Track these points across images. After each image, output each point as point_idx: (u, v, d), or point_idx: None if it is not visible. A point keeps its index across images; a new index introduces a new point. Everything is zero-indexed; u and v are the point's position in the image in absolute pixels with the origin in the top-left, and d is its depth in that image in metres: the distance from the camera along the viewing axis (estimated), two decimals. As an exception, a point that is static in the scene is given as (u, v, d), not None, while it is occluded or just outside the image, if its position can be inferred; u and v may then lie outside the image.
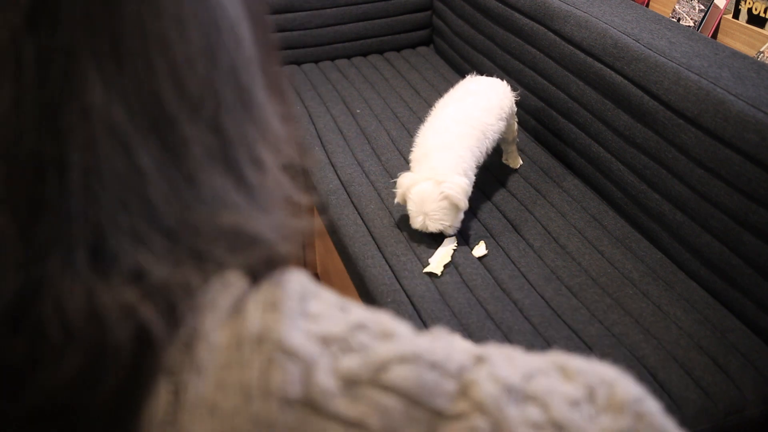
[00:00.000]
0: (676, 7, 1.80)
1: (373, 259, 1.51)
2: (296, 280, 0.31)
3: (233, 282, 0.30)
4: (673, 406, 1.18)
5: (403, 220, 1.59)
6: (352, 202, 1.69)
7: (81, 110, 0.27)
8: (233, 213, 0.31)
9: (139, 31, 0.28)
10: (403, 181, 1.50)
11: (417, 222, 1.48)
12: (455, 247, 1.52)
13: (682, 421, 1.17)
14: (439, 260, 1.48)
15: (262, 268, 0.31)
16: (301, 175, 0.36)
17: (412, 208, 1.48)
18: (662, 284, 1.41)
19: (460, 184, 1.45)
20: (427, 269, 1.46)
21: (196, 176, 0.30)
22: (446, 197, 1.44)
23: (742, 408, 1.19)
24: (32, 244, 0.27)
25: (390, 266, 1.49)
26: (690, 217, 1.43)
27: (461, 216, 1.51)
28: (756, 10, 1.60)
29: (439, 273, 1.45)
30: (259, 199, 0.32)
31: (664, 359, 1.24)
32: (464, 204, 1.47)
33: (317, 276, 2.11)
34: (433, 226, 1.47)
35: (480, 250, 1.52)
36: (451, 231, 1.51)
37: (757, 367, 1.23)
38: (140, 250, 0.28)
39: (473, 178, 1.54)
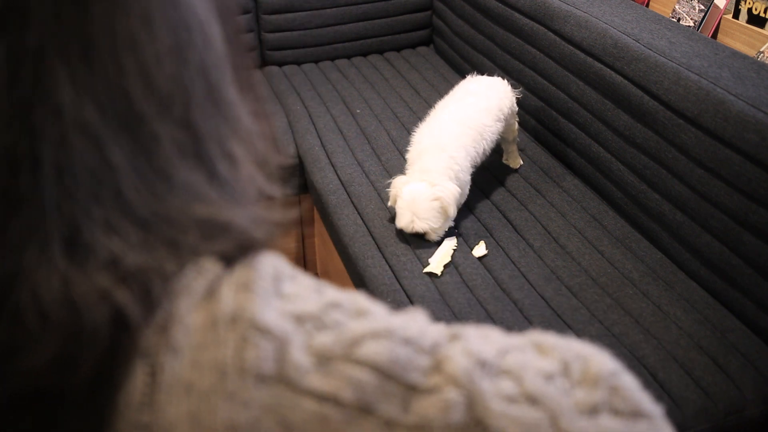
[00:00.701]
0: (676, 7, 1.80)
1: (373, 259, 1.51)
2: (269, 263, 0.31)
3: (207, 267, 0.30)
4: (673, 406, 1.18)
5: (403, 220, 1.60)
6: (352, 202, 1.69)
7: (52, 109, 0.27)
8: (206, 205, 0.31)
9: (107, 30, 0.28)
10: (397, 182, 1.51)
11: (403, 219, 1.48)
12: (455, 247, 1.52)
13: (682, 421, 1.17)
14: (439, 260, 1.48)
15: (236, 253, 0.31)
16: (276, 169, 0.37)
17: (401, 206, 1.48)
18: (662, 284, 1.41)
19: (452, 191, 1.46)
20: (427, 269, 1.46)
21: (167, 170, 0.30)
22: (437, 199, 1.45)
23: (742, 408, 1.19)
24: (8, 237, 0.27)
25: (390, 266, 1.49)
26: (690, 217, 1.43)
27: (447, 225, 1.52)
28: (756, 10, 1.60)
29: (439, 273, 1.45)
30: (232, 192, 0.33)
31: (664, 359, 1.24)
32: (453, 211, 1.48)
33: (317, 276, 2.11)
34: (420, 226, 1.47)
35: (480, 250, 1.52)
36: (434, 236, 1.51)
37: (757, 367, 1.23)
38: (114, 239, 0.29)
39: (468, 179, 1.55)
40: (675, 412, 1.17)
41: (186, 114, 0.31)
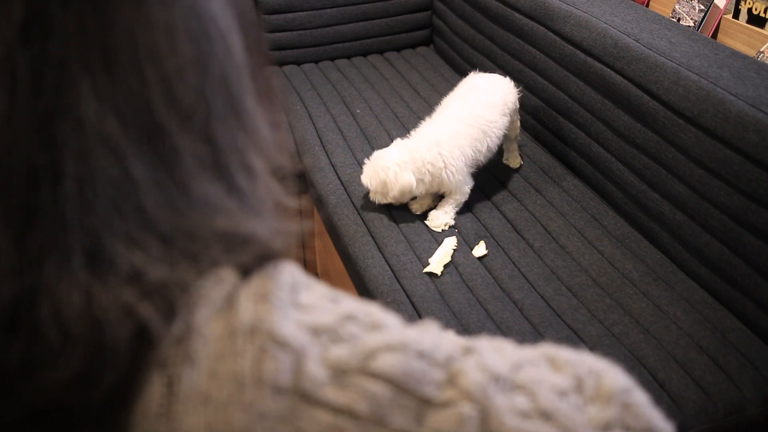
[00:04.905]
0: (676, 7, 1.80)
1: (373, 259, 1.51)
2: (287, 272, 0.32)
3: (225, 277, 0.30)
4: (673, 406, 1.18)
5: (403, 219, 1.60)
6: (352, 202, 1.69)
7: (74, 121, 0.27)
8: (226, 218, 0.31)
9: (130, 43, 0.28)
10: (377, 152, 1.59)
11: (364, 175, 1.59)
12: (455, 247, 1.52)
13: (682, 421, 1.17)
14: (439, 260, 1.48)
15: (255, 263, 0.31)
16: (291, 180, 0.37)
17: (366, 162, 1.59)
18: (662, 284, 1.41)
19: (404, 180, 1.51)
20: (427, 269, 1.46)
21: (187, 184, 0.30)
22: (386, 174, 1.51)
23: (742, 408, 1.19)
24: (27, 251, 0.27)
25: (390, 266, 1.49)
26: (690, 217, 1.43)
27: (390, 195, 1.56)
28: (756, 10, 1.60)
29: (439, 273, 1.45)
30: (250, 204, 0.33)
31: (664, 359, 1.24)
32: (393, 195, 1.53)
33: (317, 276, 2.11)
34: (363, 179, 1.58)
35: (480, 250, 1.52)
36: (376, 197, 1.59)
37: (757, 367, 1.23)
38: (136, 253, 0.28)
39: (460, 179, 1.56)
40: (675, 412, 1.17)
41: (206, 126, 0.31)
